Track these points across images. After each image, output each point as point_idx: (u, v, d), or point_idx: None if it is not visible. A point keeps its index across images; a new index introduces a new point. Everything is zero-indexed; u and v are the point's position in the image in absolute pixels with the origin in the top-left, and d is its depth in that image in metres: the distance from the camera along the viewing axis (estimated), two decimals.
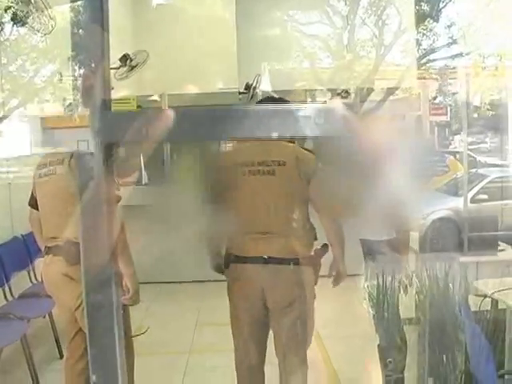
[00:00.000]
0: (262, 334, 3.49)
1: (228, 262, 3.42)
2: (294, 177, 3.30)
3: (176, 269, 5.97)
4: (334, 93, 8.23)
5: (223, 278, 3.56)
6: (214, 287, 3.90)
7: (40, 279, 4.79)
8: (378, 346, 4.06)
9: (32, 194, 3.65)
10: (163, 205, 4.98)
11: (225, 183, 3.40)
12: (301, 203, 3.37)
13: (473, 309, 3.84)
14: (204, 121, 0.91)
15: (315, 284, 3.46)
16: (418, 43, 12.76)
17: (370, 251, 4.42)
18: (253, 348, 3.47)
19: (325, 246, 3.45)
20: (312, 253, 3.42)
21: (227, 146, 3.80)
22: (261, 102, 3.72)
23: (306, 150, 3.51)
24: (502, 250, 5.30)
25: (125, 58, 7.07)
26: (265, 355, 3.52)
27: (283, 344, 3.45)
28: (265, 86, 7.64)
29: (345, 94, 7.92)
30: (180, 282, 6.35)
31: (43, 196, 3.59)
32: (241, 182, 3.35)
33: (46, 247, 3.54)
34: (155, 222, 5.54)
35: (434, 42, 12.75)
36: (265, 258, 3.27)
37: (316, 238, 3.46)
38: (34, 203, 3.61)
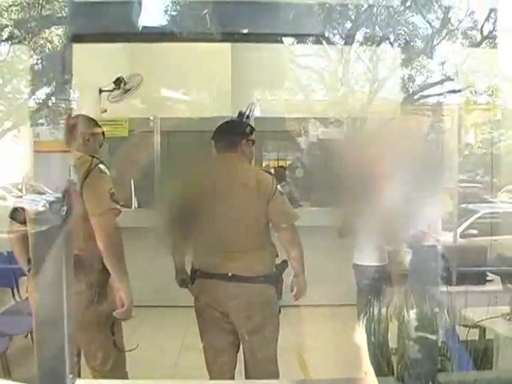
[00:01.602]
0: (231, 348, 3.59)
1: (194, 278, 3.54)
2: (255, 198, 3.43)
3: (163, 293, 5.89)
4: (327, 122, 8.26)
5: None
6: None
7: (24, 297, 4.74)
8: (365, 373, 4.01)
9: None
10: (151, 228, 4.93)
11: (190, 204, 3.50)
12: (262, 222, 3.49)
13: (461, 338, 3.81)
14: None
15: (279, 299, 3.57)
16: (412, 79, 12.87)
17: (362, 276, 4.40)
18: (223, 361, 3.58)
19: (284, 261, 3.57)
20: (274, 269, 3.54)
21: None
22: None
23: (265, 171, 3.74)
24: (491, 281, 5.32)
25: (119, 81, 7.10)
26: (235, 368, 3.63)
27: (249, 358, 3.58)
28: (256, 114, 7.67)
29: (337, 123, 7.95)
30: (167, 307, 6.27)
31: None
32: (203, 204, 3.45)
33: None
34: (143, 245, 5.51)
35: (427, 78, 12.87)
36: (229, 276, 3.38)
37: (277, 255, 3.57)
38: (17, 216, 3.47)
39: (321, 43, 11.38)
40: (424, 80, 13.02)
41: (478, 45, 12.21)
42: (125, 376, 3.40)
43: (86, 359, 3.37)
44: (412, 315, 3.05)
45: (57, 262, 2.43)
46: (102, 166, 3.25)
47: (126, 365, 3.43)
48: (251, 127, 3.74)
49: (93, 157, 3.29)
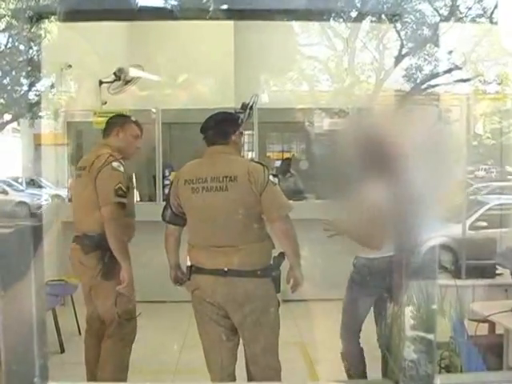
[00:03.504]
0: (229, 343, 3.60)
1: (189, 274, 3.58)
2: (247, 190, 3.42)
3: (164, 287, 5.87)
4: (332, 113, 8.22)
5: None
6: None
7: None
8: None
9: None
10: (153, 222, 4.98)
11: (180, 200, 3.57)
12: (255, 215, 3.49)
13: (469, 333, 3.80)
14: None
15: (278, 292, 3.57)
16: (419, 68, 12.83)
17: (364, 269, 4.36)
18: (222, 356, 3.60)
19: (281, 254, 3.56)
20: (270, 262, 3.55)
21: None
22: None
23: (256, 162, 3.65)
24: (500, 274, 5.29)
25: (119, 72, 7.07)
26: (235, 363, 3.65)
27: (250, 352, 3.61)
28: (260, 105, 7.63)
29: (342, 113, 7.91)
30: (168, 302, 6.27)
31: (74, 193, 4.30)
32: (195, 199, 3.49)
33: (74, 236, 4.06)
34: (146, 239, 5.49)
35: (434, 67, 12.81)
36: (225, 271, 3.41)
37: (274, 247, 3.57)
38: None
39: (326, 20, 11.27)
40: (431, 69, 12.97)
41: (488, 32, 12.16)
42: (128, 344, 4.01)
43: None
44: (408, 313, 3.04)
45: (27, 261, 2.42)
46: (114, 164, 3.84)
47: (133, 334, 4.04)
48: (241, 119, 3.76)
49: (110, 154, 3.89)
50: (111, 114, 4.79)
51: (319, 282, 4.40)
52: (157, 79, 7.74)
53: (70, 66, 8.86)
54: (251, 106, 7.38)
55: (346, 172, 3.77)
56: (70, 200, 4.52)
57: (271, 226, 3.52)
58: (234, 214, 3.42)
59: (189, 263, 3.58)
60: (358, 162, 3.72)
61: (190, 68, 8.49)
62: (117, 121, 4.18)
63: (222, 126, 3.61)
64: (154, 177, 7.37)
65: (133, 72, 7.02)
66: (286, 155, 10.16)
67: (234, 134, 3.62)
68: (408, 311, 3.66)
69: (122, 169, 3.85)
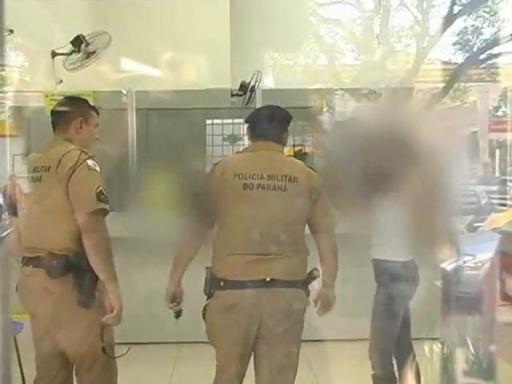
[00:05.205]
0: (244, 363, 3.89)
1: (215, 289, 3.82)
2: (305, 194, 3.84)
3: (143, 325, 6.00)
4: (359, 95, 8.33)
5: (202, 339, 3.99)
6: (189, 350, 4.02)
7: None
8: None
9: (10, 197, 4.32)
10: (132, 239, 5.13)
11: (221, 196, 3.85)
12: (303, 222, 3.91)
13: None
14: None
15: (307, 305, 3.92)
16: (476, 32, 12.84)
17: (383, 272, 4.57)
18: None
19: (314, 270, 3.94)
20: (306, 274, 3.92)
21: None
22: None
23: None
24: None
25: (79, 41, 7.11)
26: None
27: (270, 371, 3.86)
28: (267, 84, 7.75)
29: (372, 95, 8.02)
30: (150, 343, 6.35)
31: (29, 200, 4.15)
32: (246, 196, 3.82)
33: (24, 257, 4.04)
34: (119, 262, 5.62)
35: (498, 30, 12.78)
36: (267, 281, 3.70)
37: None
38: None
39: None
40: (493, 33, 12.97)
41: None
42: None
43: (73, 362, 4.04)
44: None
45: None
46: (90, 162, 3.88)
47: (116, 375, 4.10)
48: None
49: (82, 151, 3.92)
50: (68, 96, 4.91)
51: (349, 316, 4.59)
52: (129, 52, 7.82)
53: (11, 30, 8.93)
54: (253, 87, 7.51)
55: (372, 174, 3.98)
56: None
57: (319, 237, 3.93)
58: (289, 217, 3.82)
59: (213, 277, 3.83)
60: (390, 159, 3.90)
61: (172, 35, 8.56)
62: (77, 109, 4.21)
63: (280, 123, 4.07)
64: (127, 179, 7.40)
65: (98, 42, 7.10)
66: (299, 149, 10.20)
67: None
68: (460, 353, 3.77)
69: (98, 168, 3.92)
